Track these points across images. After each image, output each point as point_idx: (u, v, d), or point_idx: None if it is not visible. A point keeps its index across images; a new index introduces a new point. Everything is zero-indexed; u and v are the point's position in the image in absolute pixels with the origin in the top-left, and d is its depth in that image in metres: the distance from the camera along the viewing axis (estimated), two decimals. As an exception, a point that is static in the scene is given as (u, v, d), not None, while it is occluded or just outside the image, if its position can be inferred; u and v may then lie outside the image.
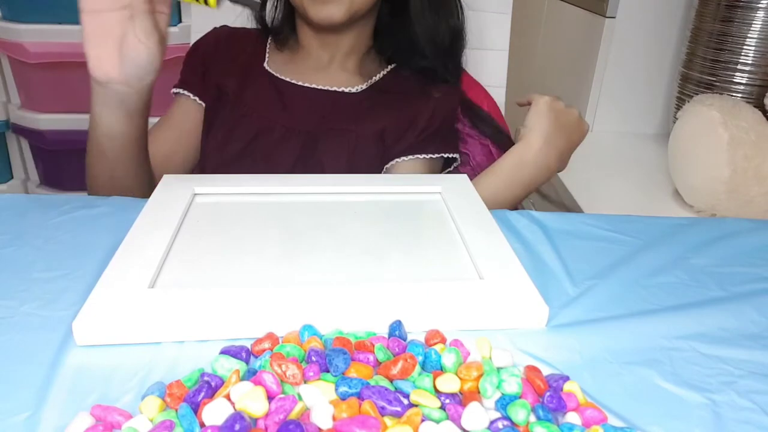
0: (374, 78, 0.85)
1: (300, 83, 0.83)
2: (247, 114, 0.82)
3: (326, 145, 0.79)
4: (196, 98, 0.85)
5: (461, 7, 0.84)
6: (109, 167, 0.67)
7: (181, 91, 0.85)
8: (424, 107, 0.82)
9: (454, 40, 0.85)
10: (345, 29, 0.81)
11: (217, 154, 0.81)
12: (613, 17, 1.24)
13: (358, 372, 0.37)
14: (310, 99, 0.82)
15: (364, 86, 0.84)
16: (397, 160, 0.81)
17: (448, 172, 0.88)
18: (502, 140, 0.90)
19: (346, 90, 0.83)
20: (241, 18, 0.90)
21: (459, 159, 0.86)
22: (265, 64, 0.85)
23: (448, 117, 0.85)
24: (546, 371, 0.40)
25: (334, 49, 0.84)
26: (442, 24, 0.82)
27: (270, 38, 0.88)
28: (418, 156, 0.81)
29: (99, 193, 0.70)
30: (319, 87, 0.83)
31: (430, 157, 0.82)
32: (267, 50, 0.87)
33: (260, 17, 0.88)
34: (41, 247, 0.53)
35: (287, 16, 0.87)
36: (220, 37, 0.89)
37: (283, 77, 0.84)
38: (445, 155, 0.84)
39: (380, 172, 0.82)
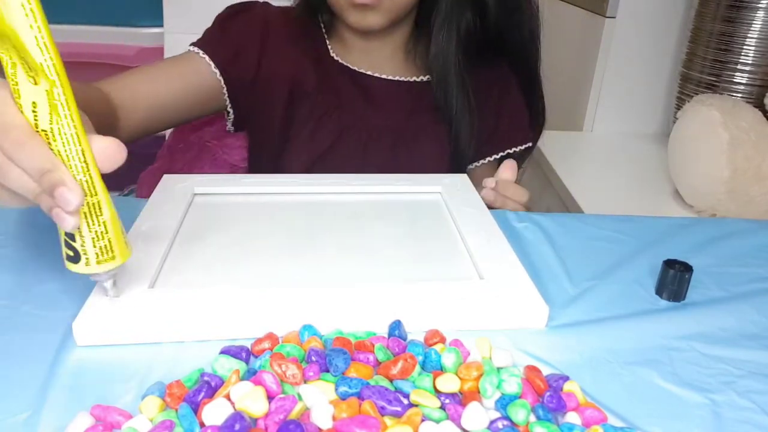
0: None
1: (378, 75, 0.78)
2: (330, 111, 0.77)
3: (421, 145, 0.76)
4: (216, 71, 0.75)
5: None
6: None
7: (200, 52, 0.75)
8: (492, 88, 0.79)
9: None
10: (385, 33, 0.76)
11: (298, 156, 0.77)
12: (613, 17, 1.24)
13: (358, 372, 0.37)
14: (391, 92, 0.78)
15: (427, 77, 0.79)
16: (489, 159, 0.80)
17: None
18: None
19: (417, 80, 0.79)
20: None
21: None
22: (333, 54, 0.79)
23: (515, 93, 0.81)
24: (546, 371, 0.40)
25: (379, 42, 0.78)
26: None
27: (321, 22, 0.80)
28: (510, 150, 0.80)
29: None
30: (398, 78, 0.79)
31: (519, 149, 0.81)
32: (326, 39, 0.80)
33: None
34: (41, 247, 0.53)
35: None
36: (270, 16, 0.79)
37: (358, 69, 0.78)
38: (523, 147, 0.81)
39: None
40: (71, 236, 0.38)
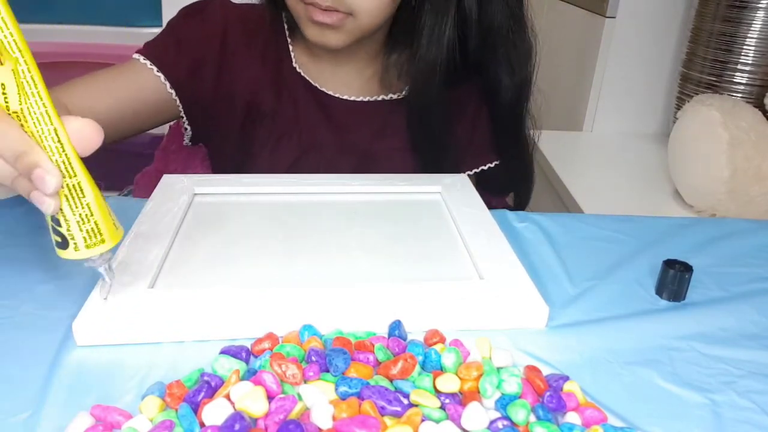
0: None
1: (341, 96, 0.73)
2: (289, 131, 0.72)
3: (385, 166, 0.70)
4: (172, 91, 0.69)
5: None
6: None
7: (154, 69, 0.68)
8: (467, 105, 0.74)
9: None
10: (351, 49, 0.69)
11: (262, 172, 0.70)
12: (613, 17, 1.24)
13: (358, 372, 0.37)
14: (355, 113, 0.73)
15: (402, 93, 0.73)
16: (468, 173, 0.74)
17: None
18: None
19: (387, 98, 0.74)
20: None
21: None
22: (295, 65, 0.72)
23: (485, 112, 0.75)
24: (546, 371, 0.40)
25: (345, 57, 0.72)
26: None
27: (286, 25, 0.73)
28: (483, 168, 0.76)
29: None
30: (363, 99, 0.73)
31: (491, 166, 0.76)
32: (289, 44, 0.73)
33: None
34: (41, 247, 0.53)
35: None
36: (229, 18, 0.71)
37: (321, 87, 0.73)
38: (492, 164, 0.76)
39: None
40: (57, 221, 0.37)
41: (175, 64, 0.69)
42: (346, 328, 0.42)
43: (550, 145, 1.22)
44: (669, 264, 0.50)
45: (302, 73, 0.73)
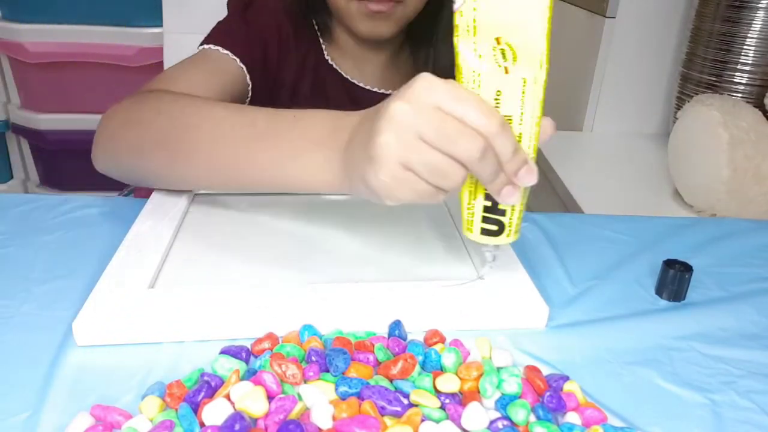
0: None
1: (370, 88, 0.77)
2: None
3: None
4: (249, 82, 0.69)
5: None
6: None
7: (237, 60, 0.68)
8: None
9: None
10: (377, 45, 0.75)
11: None
12: (613, 17, 1.24)
13: (358, 372, 0.37)
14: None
15: None
16: None
17: None
18: None
19: None
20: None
21: None
22: (327, 58, 0.76)
23: None
24: (546, 371, 0.40)
25: (374, 52, 0.77)
26: None
27: (316, 26, 0.76)
28: None
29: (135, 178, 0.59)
30: (388, 92, 0.77)
31: None
32: (321, 42, 0.76)
33: None
34: (41, 247, 0.53)
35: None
36: (282, 8, 0.73)
37: (352, 80, 0.77)
38: None
39: None
40: (501, 212, 0.40)
41: (249, 50, 0.69)
42: (346, 328, 0.42)
43: (550, 145, 1.21)
44: (669, 264, 0.50)
45: (334, 65, 0.76)
